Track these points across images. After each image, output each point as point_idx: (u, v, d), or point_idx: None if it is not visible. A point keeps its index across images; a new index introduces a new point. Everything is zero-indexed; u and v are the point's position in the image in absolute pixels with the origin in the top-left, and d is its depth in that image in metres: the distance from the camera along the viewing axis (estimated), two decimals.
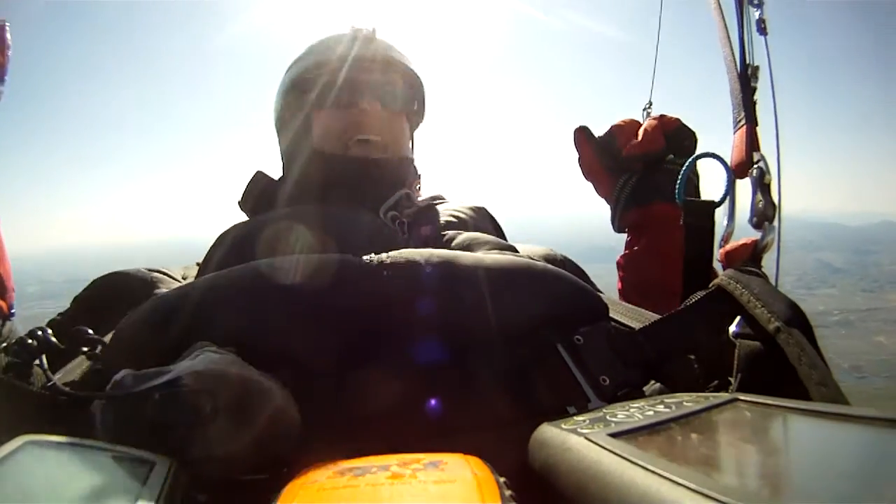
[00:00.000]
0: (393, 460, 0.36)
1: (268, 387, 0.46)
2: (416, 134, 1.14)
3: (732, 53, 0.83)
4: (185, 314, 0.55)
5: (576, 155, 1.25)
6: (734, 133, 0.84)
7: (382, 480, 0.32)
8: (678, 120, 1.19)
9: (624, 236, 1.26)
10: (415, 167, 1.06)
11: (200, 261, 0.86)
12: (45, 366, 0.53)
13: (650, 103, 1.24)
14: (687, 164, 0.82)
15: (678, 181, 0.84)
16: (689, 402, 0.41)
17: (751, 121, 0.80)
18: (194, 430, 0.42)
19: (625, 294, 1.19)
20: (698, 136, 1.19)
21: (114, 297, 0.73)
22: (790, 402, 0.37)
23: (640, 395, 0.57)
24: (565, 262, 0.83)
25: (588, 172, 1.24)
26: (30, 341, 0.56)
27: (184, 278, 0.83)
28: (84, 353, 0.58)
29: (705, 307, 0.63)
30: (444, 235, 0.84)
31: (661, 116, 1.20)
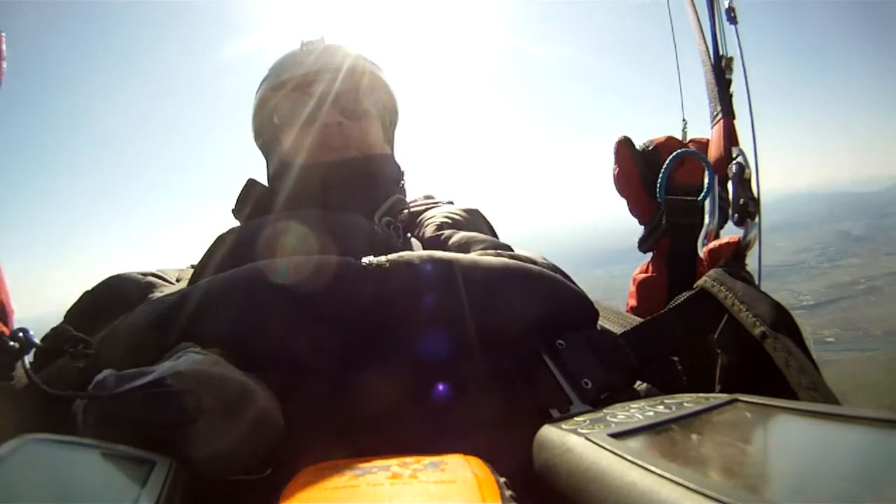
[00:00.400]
0: (393, 461, 0.36)
1: (252, 388, 0.45)
2: (396, 131, 1.15)
3: (706, 45, 0.81)
4: (184, 316, 0.54)
5: (614, 168, 1.11)
6: (712, 128, 0.83)
7: (383, 481, 0.32)
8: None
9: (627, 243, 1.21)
10: (397, 163, 1.06)
11: (195, 264, 0.85)
12: (28, 366, 0.51)
13: (685, 122, 1.14)
14: (668, 162, 0.81)
15: (659, 179, 0.83)
16: (689, 402, 0.41)
17: (728, 114, 0.78)
18: (177, 431, 0.41)
19: (639, 313, 1.13)
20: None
21: (109, 302, 0.71)
22: (790, 403, 0.37)
23: (624, 397, 0.57)
24: (554, 269, 0.84)
25: (625, 188, 1.09)
26: (12, 343, 0.54)
27: (177, 281, 0.82)
28: (67, 352, 0.56)
29: (688, 310, 0.64)
30: (441, 235, 0.85)
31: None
